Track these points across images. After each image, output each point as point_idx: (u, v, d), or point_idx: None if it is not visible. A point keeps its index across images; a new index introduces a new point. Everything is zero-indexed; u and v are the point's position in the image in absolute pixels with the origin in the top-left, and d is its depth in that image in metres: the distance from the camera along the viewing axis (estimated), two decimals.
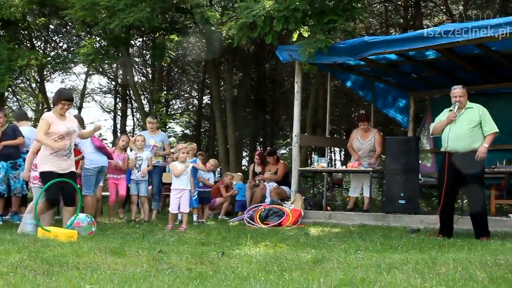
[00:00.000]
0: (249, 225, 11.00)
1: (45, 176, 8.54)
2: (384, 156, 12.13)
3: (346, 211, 12.44)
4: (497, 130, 8.66)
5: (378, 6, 21.14)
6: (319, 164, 12.93)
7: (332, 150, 19.96)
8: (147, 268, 5.59)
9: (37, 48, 21.90)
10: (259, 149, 20.45)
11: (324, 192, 14.37)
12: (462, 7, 20.32)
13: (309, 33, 11.84)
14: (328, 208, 13.22)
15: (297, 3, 11.54)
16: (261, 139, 23.59)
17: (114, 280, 4.83)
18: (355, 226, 10.47)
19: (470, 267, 5.31)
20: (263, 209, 11.46)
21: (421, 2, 20.35)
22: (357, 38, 11.96)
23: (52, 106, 8.94)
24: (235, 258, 6.19)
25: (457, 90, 8.83)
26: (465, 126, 8.61)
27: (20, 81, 22.15)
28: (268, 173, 13.28)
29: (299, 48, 11.64)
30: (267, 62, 20.70)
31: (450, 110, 8.82)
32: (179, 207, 10.22)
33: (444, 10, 20.88)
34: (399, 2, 21.61)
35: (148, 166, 11.57)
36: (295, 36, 12.10)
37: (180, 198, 10.22)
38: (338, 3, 12.31)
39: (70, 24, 17.46)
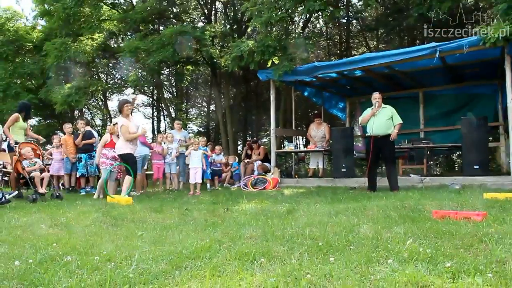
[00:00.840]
0: (244, 189, 11.04)
1: (126, 156, 8.66)
2: (331, 141, 12.17)
3: (307, 178, 12.49)
4: (402, 122, 8.85)
5: (323, 42, 21.12)
6: (289, 147, 12.97)
7: (297, 137, 19.91)
8: (178, 220, 5.63)
9: (101, 79, 21.85)
10: (248, 139, 20.40)
11: (293, 165, 14.43)
12: (375, 43, 20.39)
13: (278, 61, 11.82)
14: (296, 176, 13.28)
15: (269, 42, 11.61)
16: (249, 132, 23.51)
17: (156, 228, 4.88)
18: (313, 187, 10.49)
19: (387, 209, 5.39)
20: (253, 179, 11.51)
21: (350, 39, 20.41)
22: (310, 64, 11.99)
23: (119, 113, 8.97)
24: (236, 211, 6.24)
25: (376, 95, 8.96)
26: (383, 119, 8.73)
27: (91, 101, 22.07)
28: (254, 155, 13.31)
29: (272, 71, 11.70)
30: (252, 81, 20.60)
31: (371, 108, 8.93)
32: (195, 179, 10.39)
33: (364, 44, 20.96)
34: (336, 40, 21.65)
35: (176, 153, 11.60)
36: (269, 63, 12.05)
37: (195, 173, 10.34)
38: (296, 41, 12.34)
39: (122, 61, 17.43)
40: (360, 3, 18.46)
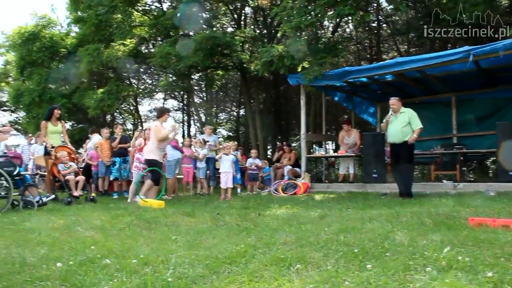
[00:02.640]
0: (275, 194, 11.03)
1: (151, 162, 8.77)
2: (362, 146, 12.06)
3: (338, 183, 12.41)
4: (421, 126, 8.70)
5: (352, 47, 20.99)
6: (319, 152, 12.95)
7: (327, 142, 19.80)
8: (210, 224, 5.67)
9: (133, 84, 22.15)
10: (278, 144, 20.37)
11: (323, 170, 14.35)
12: (406, 47, 20.16)
13: (308, 65, 11.81)
14: (326, 181, 13.21)
15: (299, 47, 11.57)
16: (279, 137, 23.47)
17: (190, 232, 4.91)
18: (344, 192, 10.42)
19: (421, 216, 5.33)
20: (283, 184, 11.50)
21: (380, 44, 20.23)
22: (340, 68, 12.00)
23: (157, 118, 9.15)
24: (267, 216, 6.24)
25: (391, 101, 8.88)
26: (398, 126, 8.63)
27: (123, 106, 22.37)
28: (285, 159, 13.28)
29: (302, 75, 11.69)
30: (281, 86, 20.58)
31: (391, 114, 8.83)
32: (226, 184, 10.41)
33: (395, 49, 20.72)
34: (366, 44, 21.51)
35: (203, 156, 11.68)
36: (299, 68, 12.07)
37: (226, 178, 10.37)
38: (326, 46, 12.31)
39: (152, 67, 17.65)
40: (391, 6, 18.29)
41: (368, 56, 21.04)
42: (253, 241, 4.08)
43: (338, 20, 16.21)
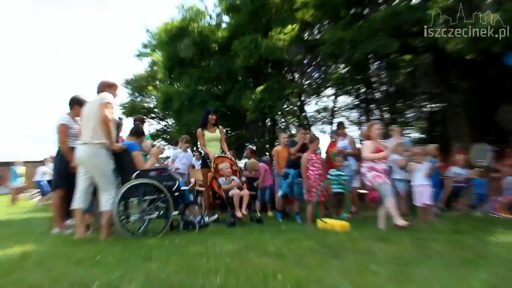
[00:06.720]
0: (493, 215, 10.38)
1: None
2: None
3: None
4: None
5: None
6: None
7: None
8: (414, 253, 5.49)
9: (296, 80, 22.61)
10: (488, 146, 19.23)
11: None
12: None
13: None
14: None
15: None
16: (490, 137, 22.18)
17: (390, 262, 4.80)
18: None
19: None
20: (507, 200, 10.73)
21: None
22: None
23: None
24: (493, 245, 5.86)
25: None
26: None
27: (285, 106, 22.91)
28: (505, 167, 12.40)
29: None
30: (492, 69, 19.42)
31: None
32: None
33: None
34: None
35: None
36: None
37: (421, 193, 9.78)
38: None
39: (319, 57, 17.83)
40: None
41: None
42: (486, 277, 3.81)
43: None
